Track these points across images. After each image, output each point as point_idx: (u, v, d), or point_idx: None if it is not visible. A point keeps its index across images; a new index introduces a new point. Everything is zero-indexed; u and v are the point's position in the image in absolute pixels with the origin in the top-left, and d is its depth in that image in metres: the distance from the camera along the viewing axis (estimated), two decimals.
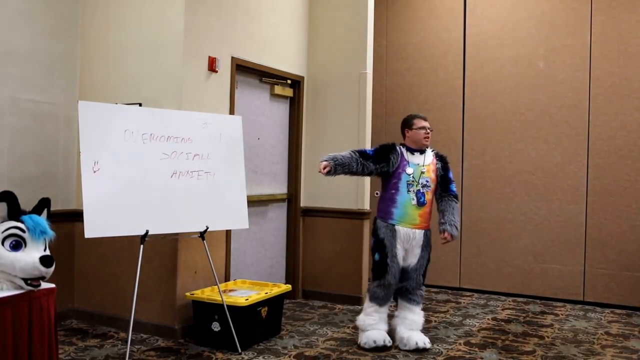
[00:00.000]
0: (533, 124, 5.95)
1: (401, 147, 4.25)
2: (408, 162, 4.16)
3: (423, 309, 5.36)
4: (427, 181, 4.16)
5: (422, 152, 4.26)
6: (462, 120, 6.26)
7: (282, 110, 5.61)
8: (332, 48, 5.69)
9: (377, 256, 4.14)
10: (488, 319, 5.09)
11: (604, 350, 4.25)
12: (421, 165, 4.18)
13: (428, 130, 4.24)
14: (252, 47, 4.99)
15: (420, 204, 4.13)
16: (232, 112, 4.70)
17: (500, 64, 6.09)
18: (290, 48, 5.54)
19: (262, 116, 5.32)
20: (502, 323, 4.95)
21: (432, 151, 4.35)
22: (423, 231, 4.20)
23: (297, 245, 5.69)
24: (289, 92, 5.59)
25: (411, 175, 4.13)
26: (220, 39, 4.60)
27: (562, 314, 5.31)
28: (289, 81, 5.57)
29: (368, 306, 4.19)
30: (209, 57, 4.45)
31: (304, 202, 5.68)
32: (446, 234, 4.20)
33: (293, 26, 5.59)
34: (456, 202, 4.31)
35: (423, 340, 4.13)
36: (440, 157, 4.35)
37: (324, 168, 3.95)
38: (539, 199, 5.91)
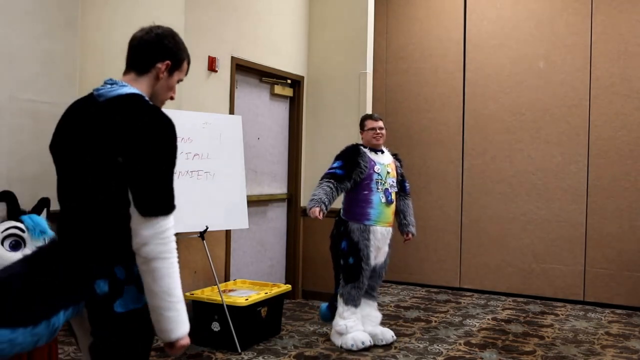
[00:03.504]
0: (533, 124, 5.94)
1: (362, 147, 4.22)
2: (375, 161, 4.16)
3: (423, 309, 5.37)
4: (393, 181, 4.23)
5: (382, 151, 4.29)
6: (462, 120, 6.26)
7: (282, 110, 5.61)
8: (332, 48, 5.68)
9: (351, 260, 4.07)
10: (488, 319, 5.09)
11: (604, 350, 4.25)
12: (386, 165, 4.22)
13: (378, 131, 4.23)
14: (252, 46, 4.98)
15: (389, 202, 4.16)
16: (232, 111, 4.69)
17: (500, 64, 6.09)
18: (290, 48, 5.54)
19: (262, 116, 5.31)
20: (502, 323, 4.94)
21: (388, 151, 4.40)
22: (392, 229, 4.26)
23: (297, 245, 5.68)
24: (289, 91, 5.59)
25: (380, 174, 4.14)
26: (220, 39, 4.60)
27: (562, 314, 5.31)
28: (289, 81, 5.56)
29: (344, 310, 4.10)
30: (209, 56, 4.45)
31: (304, 202, 5.67)
32: (410, 235, 4.41)
33: (293, 26, 5.58)
34: (410, 200, 4.49)
35: (392, 334, 4.28)
36: (397, 158, 4.46)
37: (319, 214, 3.89)
38: (539, 199, 5.91)
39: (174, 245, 1.69)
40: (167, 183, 1.70)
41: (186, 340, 1.71)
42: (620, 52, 5.59)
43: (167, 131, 1.70)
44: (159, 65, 1.82)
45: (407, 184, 4.48)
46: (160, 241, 1.65)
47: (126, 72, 1.87)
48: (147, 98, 1.82)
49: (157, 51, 1.82)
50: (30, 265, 1.68)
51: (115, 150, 1.65)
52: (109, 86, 1.79)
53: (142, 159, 1.65)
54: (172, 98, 1.95)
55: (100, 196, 1.68)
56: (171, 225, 1.69)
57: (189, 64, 1.94)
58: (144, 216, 1.64)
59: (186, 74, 1.94)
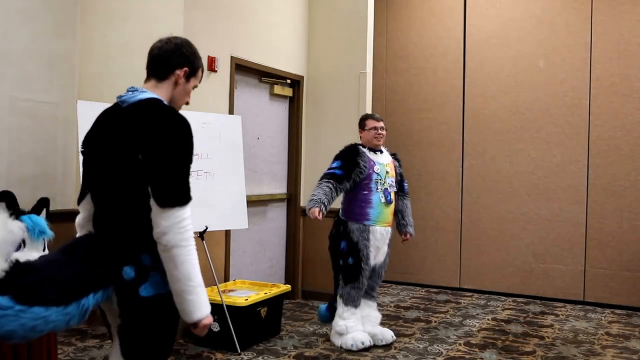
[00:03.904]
0: (533, 123, 5.94)
1: (361, 147, 4.22)
2: (374, 161, 4.16)
3: (423, 310, 5.37)
4: (392, 181, 4.23)
5: (381, 151, 4.28)
6: (462, 120, 6.25)
7: (281, 110, 5.60)
8: (332, 48, 5.68)
9: (350, 260, 4.08)
10: (488, 319, 5.08)
11: (604, 350, 4.25)
12: (385, 165, 4.22)
13: (380, 131, 4.23)
14: (251, 46, 4.98)
15: (389, 202, 4.17)
16: (231, 111, 4.69)
17: (500, 63, 6.08)
18: (290, 47, 5.53)
19: (261, 116, 5.31)
20: (502, 323, 4.94)
21: (387, 150, 4.40)
22: (391, 228, 4.26)
23: (297, 246, 5.67)
24: (288, 91, 5.58)
25: (379, 174, 4.14)
26: (220, 39, 4.59)
27: (562, 314, 5.30)
28: (288, 81, 5.56)
29: (344, 310, 4.11)
30: (209, 56, 4.44)
31: (304, 201, 5.66)
32: (408, 235, 4.41)
33: (293, 25, 5.58)
34: (409, 200, 4.49)
35: (391, 334, 4.28)
36: (396, 158, 4.45)
37: (319, 214, 3.90)
38: (539, 199, 5.90)
39: (191, 234, 1.83)
40: (182, 176, 1.84)
41: (208, 320, 1.88)
42: (620, 51, 5.58)
43: (182, 129, 1.86)
44: (178, 71, 2.01)
45: (405, 184, 4.47)
46: (178, 230, 1.79)
47: (147, 80, 2.05)
48: (165, 102, 1.98)
49: (176, 58, 2.00)
50: (64, 253, 1.85)
51: (136, 149, 1.83)
52: (130, 93, 1.96)
53: (158, 155, 1.81)
54: (187, 103, 2.12)
55: (125, 191, 1.86)
56: (188, 215, 1.83)
57: (202, 71, 2.11)
58: (161, 207, 1.79)
59: (200, 81, 2.11)
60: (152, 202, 1.80)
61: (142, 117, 1.88)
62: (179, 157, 1.84)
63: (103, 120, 2.01)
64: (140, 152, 1.81)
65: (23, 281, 1.69)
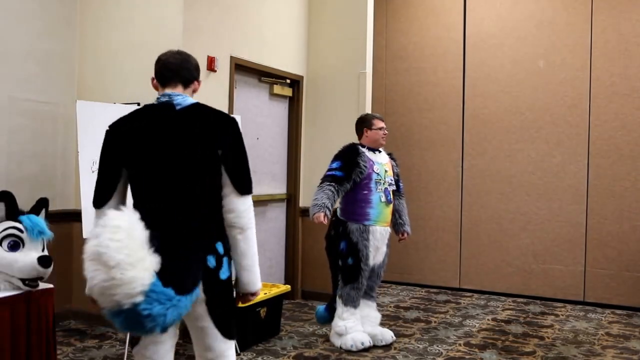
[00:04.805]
0: (533, 123, 5.93)
1: (360, 147, 4.19)
2: (373, 161, 4.15)
3: (423, 310, 5.36)
4: (391, 180, 4.22)
5: (379, 151, 4.27)
6: (462, 120, 6.25)
7: (281, 110, 5.60)
8: (331, 47, 5.67)
9: (350, 260, 4.07)
10: (488, 319, 5.08)
11: (604, 351, 4.24)
12: (384, 164, 4.21)
13: (385, 131, 4.24)
14: (251, 46, 4.97)
15: (389, 201, 4.16)
16: (231, 111, 4.68)
17: (500, 63, 6.08)
18: (289, 47, 5.53)
19: (261, 116, 5.30)
20: (502, 324, 4.93)
21: (383, 150, 4.38)
22: (389, 228, 4.27)
23: (297, 246, 5.67)
24: (288, 91, 5.58)
25: (378, 174, 4.12)
26: (219, 38, 4.59)
27: (562, 315, 5.30)
28: (288, 81, 5.55)
29: (343, 311, 4.10)
30: (208, 56, 4.44)
31: (303, 202, 5.66)
32: (405, 235, 4.44)
33: (292, 25, 5.57)
34: (405, 200, 4.52)
35: (391, 334, 4.27)
36: (392, 157, 4.44)
37: (324, 219, 3.90)
38: (539, 199, 5.90)
39: (254, 216, 2.16)
40: (249, 168, 2.16)
41: (260, 289, 2.24)
42: (620, 51, 5.58)
43: (239, 127, 2.18)
44: (197, 81, 2.25)
45: (401, 184, 4.48)
46: (250, 214, 2.12)
47: (173, 86, 2.18)
48: None
49: (195, 71, 2.24)
50: (165, 249, 1.92)
51: (216, 145, 2.07)
52: (180, 97, 2.15)
53: (237, 150, 2.12)
54: None
55: (203, 183, 2.06)
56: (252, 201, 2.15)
57: None
58: (241, 194, 2.09)
59: None
60: (230, 191, 2.07)
61: (212, 118, 2.13)
62: (245, 151, 2.16)
63: (157, 120, 2.11)
64: (220, 148, 2.07)
65: (173, 274, 1.86)
